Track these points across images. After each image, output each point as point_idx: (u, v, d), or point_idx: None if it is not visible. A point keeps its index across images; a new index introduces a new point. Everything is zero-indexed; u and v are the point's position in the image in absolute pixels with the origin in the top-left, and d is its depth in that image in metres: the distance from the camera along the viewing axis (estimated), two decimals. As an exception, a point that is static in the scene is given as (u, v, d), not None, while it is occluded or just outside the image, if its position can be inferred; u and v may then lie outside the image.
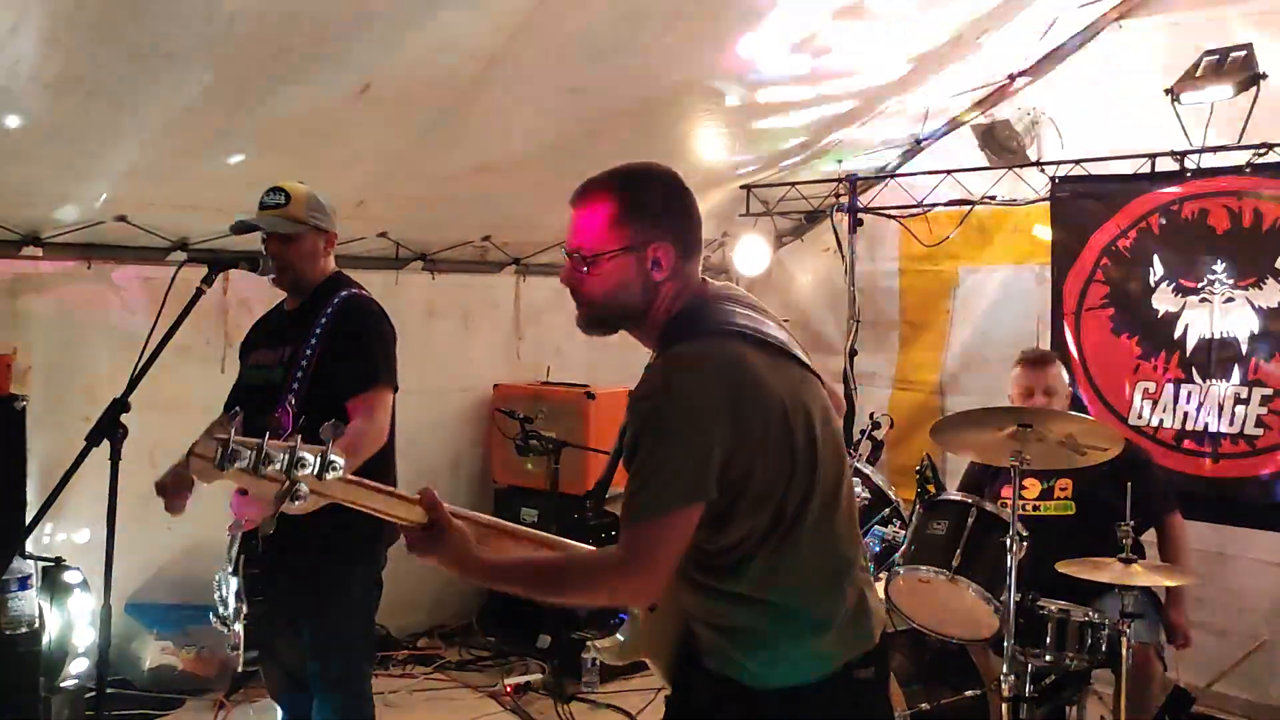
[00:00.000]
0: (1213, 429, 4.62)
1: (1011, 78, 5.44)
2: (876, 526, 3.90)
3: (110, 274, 4.52)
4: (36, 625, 3.75)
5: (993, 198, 5.38)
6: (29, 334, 4.33)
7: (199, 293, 2.85)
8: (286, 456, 1.66)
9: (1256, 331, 4.52)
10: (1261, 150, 4.46)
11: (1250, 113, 4.45)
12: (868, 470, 4.01)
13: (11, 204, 4.01)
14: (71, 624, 3.93)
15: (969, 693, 3.65)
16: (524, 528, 2.13)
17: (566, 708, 4.69)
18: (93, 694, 3.18)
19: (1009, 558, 3.28)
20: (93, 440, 2.63)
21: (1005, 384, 4.09)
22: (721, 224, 6.30)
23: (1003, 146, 5.21)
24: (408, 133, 4.16)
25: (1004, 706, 3.30)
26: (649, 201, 1.96)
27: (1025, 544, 3.38)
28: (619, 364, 5.09)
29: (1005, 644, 3.29)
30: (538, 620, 5.21)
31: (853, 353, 5.70)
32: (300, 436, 2.48)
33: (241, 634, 2.95)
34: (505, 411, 5.38)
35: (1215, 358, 4.63)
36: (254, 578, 2.93)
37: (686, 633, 2.03)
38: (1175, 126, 4.65)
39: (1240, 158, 4.52)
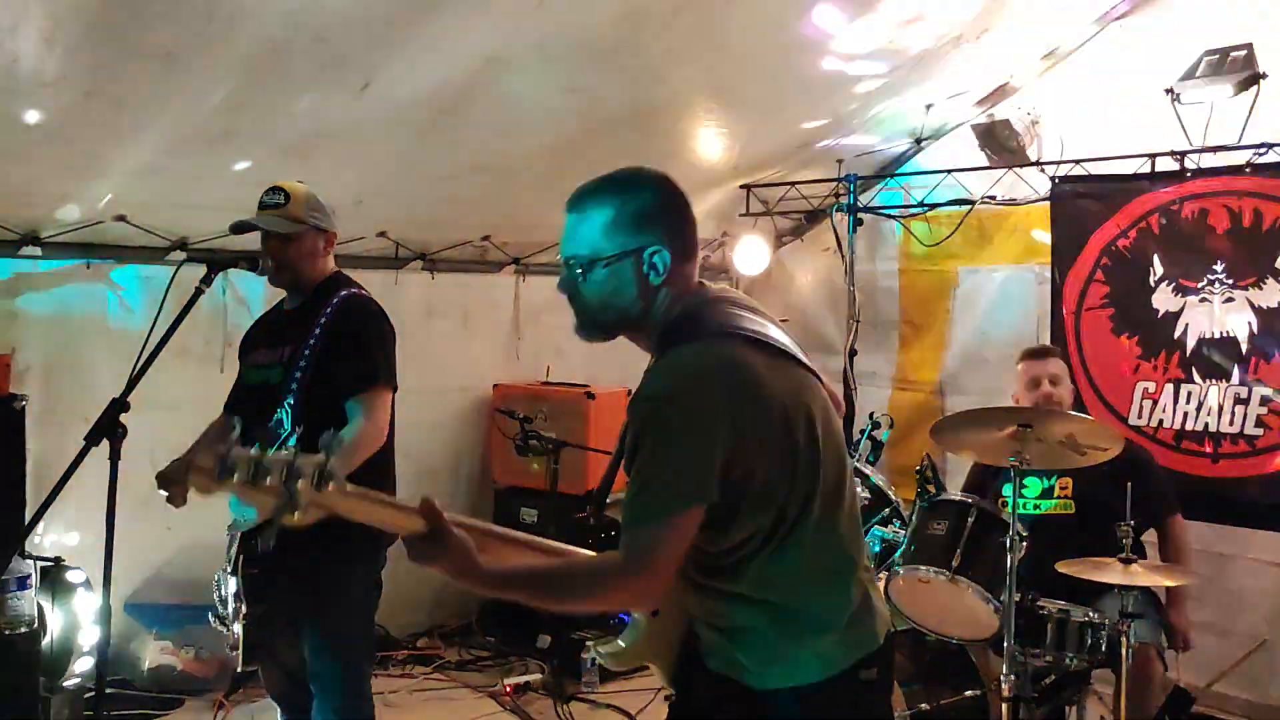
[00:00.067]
0: (1212, 429, 4.62)
1: (1012, 77, 5.43)
2: (876, 526, 3.90)
3: (109, 273, 4.52)
4: (36, 625, 3.75)
5: (993, 198, 5.38)
6: (28, 333, 4.34)
7: (198, 292, 2.86)
8: (284, 468, 1.66)
9: (1256, 331, 4.52)
10: (1261, 150, 4.45)
11: (1250, 112, 4.45)
12: (868, 470, 4.01)
13: (11, 204, 4.01)
14: (77, 623, 3.93)
15: (969, 693, 3.65)
16: (524, 534, 2.12)
17: (566, 708, 4.69)
18: (92, 694, 3.18)
19: (1009, 558, 3.28)
20: (92, 440, 2.63)
21: (1008, 384, 4.10)
22: (721, 224, 6.29)
23: (1003, 146, 5.20)
24: (407, 132, 4.16)
25: (1004, 706, 3.29)
26: (643, 206, 1.95)
27: (1025, 544, 3.38)
28: (619, 364, 5.09)
29: (1005, 644, 3.29)
30: (537, 620, 5.21)
31: (853, 353, 5.69)
32: (299, 440, 2.49)
33: (241, 634, 2.95)
34: (505, 411, 5.38)
35: (1215, 358, 4.63)
36: (253, 578, 2.93)
37: (688, 634, 2.02)
38: (1175, 126, 4.65)
39: (1240, 158, 4.52)
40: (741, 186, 5.94)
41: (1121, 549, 3.29)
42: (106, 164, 3.88)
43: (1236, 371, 4.57)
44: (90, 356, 4.42)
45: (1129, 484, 3.35)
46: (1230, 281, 4.59)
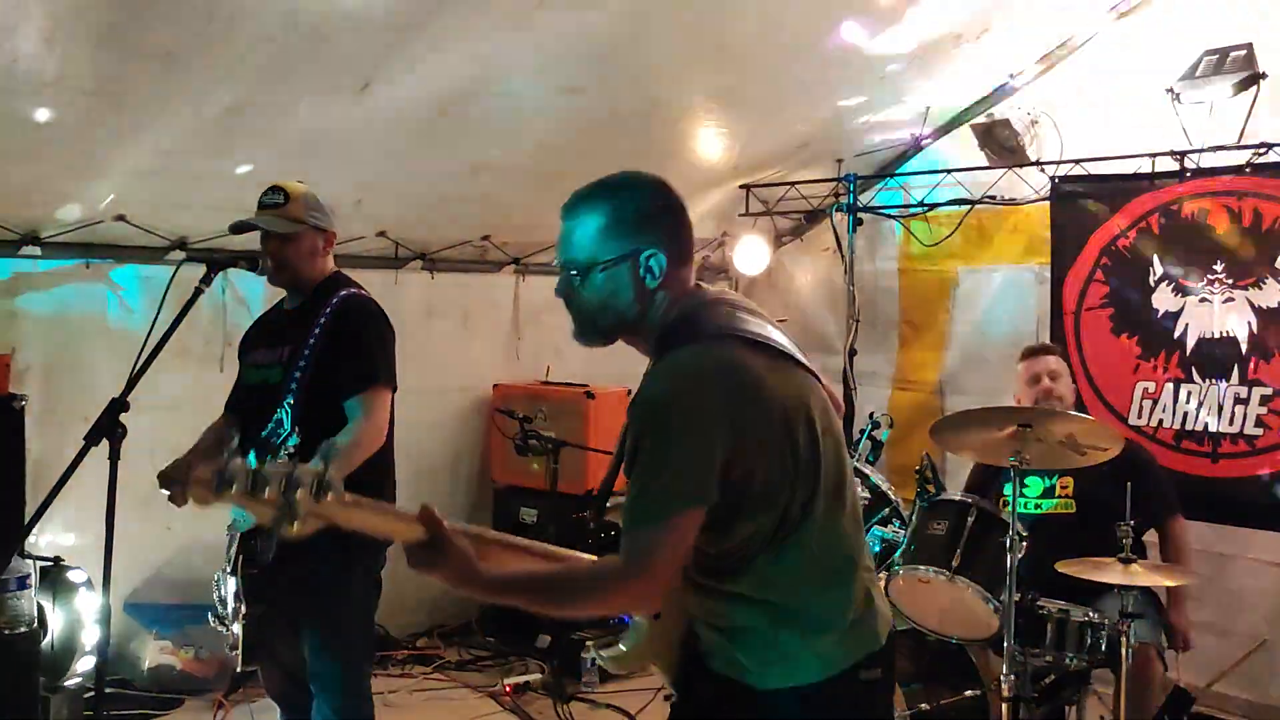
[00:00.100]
0: (1212, 429, 4.62)
1: (1012, 76, 5.43)
2: (876, 526, 3.89)
3: (109, 273, 4.52)
4: (35, 625, 3.74)
5: (993, 198, 5.37)
6: (28, 333, 4.33)
7: (198, 292, 2.85)
8: (282, 479, 1.66)
9: (1256, 331, 4.52)
10: (1261, 150, 4.45)
11: (1250, 112, 4.45)
12: (867, 470, 4.01)
13: (10, 204, 4.01)
14: (80, 623, 3.93)
15: (968, 693, 3.65)
16: (524, 540, 2.12)
17: (566, 708, 4.69)
18: (92, 694, 3.18)
19: (1008, 557, 3.28)
20: (92, 440, 2.63)
21: (1008, 384, 4.10)
22: (721, 223, 6.29)
23: (1003, 146, 5.20)
24: (407, 132, 4.16)
25: (1004, 706, 3.29)
26: (638, 210, 1.95)
27: (1025, 543, 3.38)
28: (619, 364, 5.03)
29: (1005, 644, 3.29)
30: (537, 621, 5.20)
31: (852, 352, 5.69)
32: (298, 440, 2.48)
33: (240, 634, 2.95)
34: (504, 411, 5.38)
35: (1215, 357, 4.62)
36: (253, 578, 2.93)
37: (690, 635, 2.02)
38: (1175, 126, 4.65)
39: (1240, 157, 4.52)
40: (741, 186, 5.94)
41: (1121, 549, 3.29)
42: (106, 164, 3.88)
43: (1236, 371, 4.57)
44: (90, 356, 4.41)
45: (1129, 484, 3.35)
46: (1230, 281, 4.58)
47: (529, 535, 5.41)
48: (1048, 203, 5.13)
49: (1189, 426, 4.68)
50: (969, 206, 5.46)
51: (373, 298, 3.20)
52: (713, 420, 1.80)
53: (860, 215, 5.71)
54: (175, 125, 3.68)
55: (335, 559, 2.96)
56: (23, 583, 3.70)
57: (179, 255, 4.51)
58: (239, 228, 3.09)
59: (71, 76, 3.26)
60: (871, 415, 4.30)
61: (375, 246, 5.13)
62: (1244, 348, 4.55)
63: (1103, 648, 3.39)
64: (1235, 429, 4.55)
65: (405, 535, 1.86)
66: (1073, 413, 3.72)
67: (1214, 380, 4.62)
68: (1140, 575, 3.26)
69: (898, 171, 5.93)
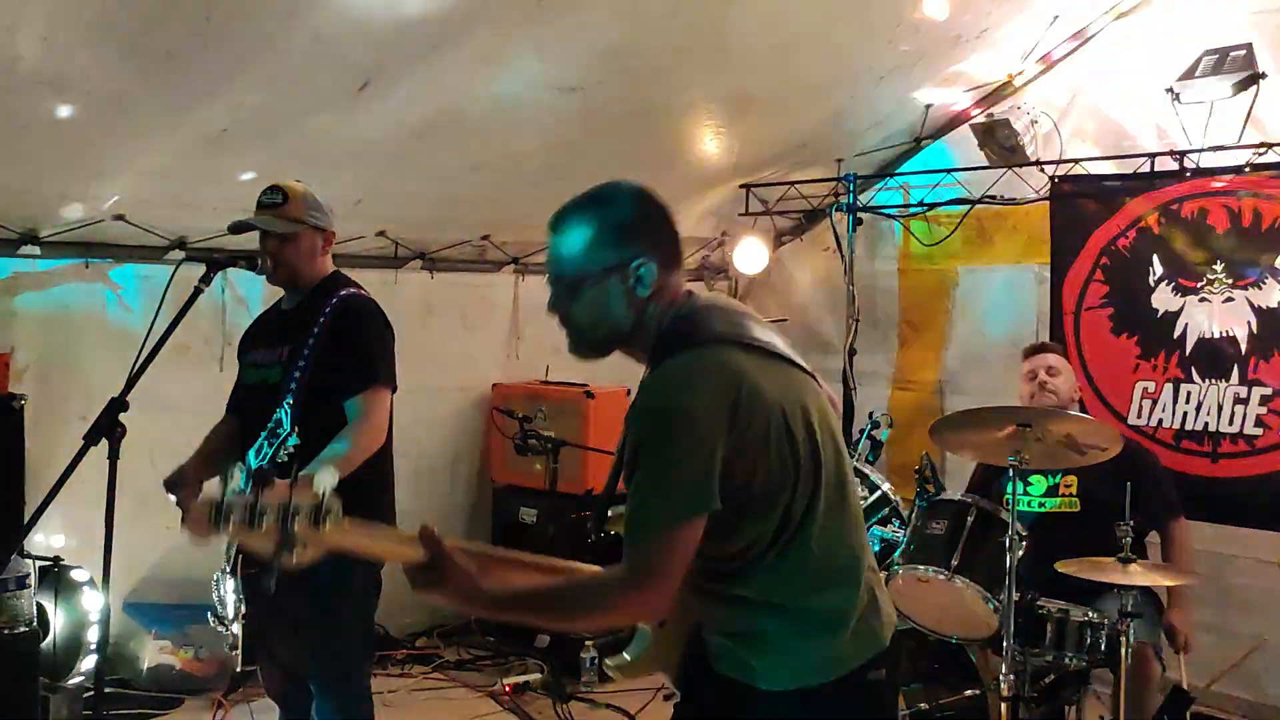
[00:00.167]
0: (1212, 428, 4.62)
1: (1011, 77, 5.44)
2: (876, 526, 3.89)
3: (108, 273, 4.52)
4: (35, 625, 3.74)
5: (993, 198, 5.37)
6: (27, 333, 4.33)
7: (197, 291, 2.86)
8: (281, 509, 1.67)
9: (1256, 331, 4.52)
10: (1261, 150, 4.45)
11: (1250, 112, 4.45)
12: (867, 470, 4.01)
13: (10, 203, 4.01)
14: (85, 622, 3.93)
15: (968, 692, 3.65)
16: (528, 555, 2.10)
17: (565, 707, 4.68)
18: (91, 693, 3.18)
19: (1008, 557, 3.28)
20: (91, 439, 2.63)
21: (1007, 384, 4.12)
22: (721, 223, 6.29)
23: (1003, 146, 5.20)
24: (406, 131, 4.15)
25: (1003, 706, 3.30)
26: (623, 220, 1.95)
27: (1025, 543, 3.38)
28: (618, 364, 5.02)
29: (1004, 643, 3.28)
30: (537, 620, 5.20)
31: (852, 352, 5.69)
32: (298, 440, 2.48)
33: (240, 633, 2.95)
34: (504, 411, 5.38)
35: (1215, 357, 4.62)
36: (252, 577, 2.93)
37: (694, 637, 2.02)
38: (1175, 126, 4.65)
39: (1240, 157, 4.52)
40: (741, 186, 5.93)
41: (1121, 549, 3.29)
42: (105, 163, 3.87)
43: (1236, 371, 4.57)
44: (89, 356, 4.41)
45: (1130, 483, 3.35)
46: (1230, 281, 4.59)
47: (529, 535, 5.46)
48: (1047, 203, 5.13)
49: (1189, 426, 4.68)
50: (969, 206, 5.46)
51: (372, 297, 3.20)
52: (711, 426, 1.79)
53: (860, 215, 5.70)
54: (174, 125, 3.67)
55: (335, 559, 2.95)
56: (22, 582, 3.70)
57: (178, 255, 4.51)
58: (238, 228, 3.09)
59: (71, 76, 3.25)
60: (871, 415, 4.31)
61: (375, 246, 5.13)
62: (1244, 347, 4.56)
63: (1102, 647, 3.39)
64: (1235, 429, 4.56)
65: (406, 557, 1.87)
66: (1072, 412, 3.72)
67: (1214, 380, 4.62)
68: (1139, 575, 3.26)
69: (898, 171, 5.93)
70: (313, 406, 2.93)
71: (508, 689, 4.85)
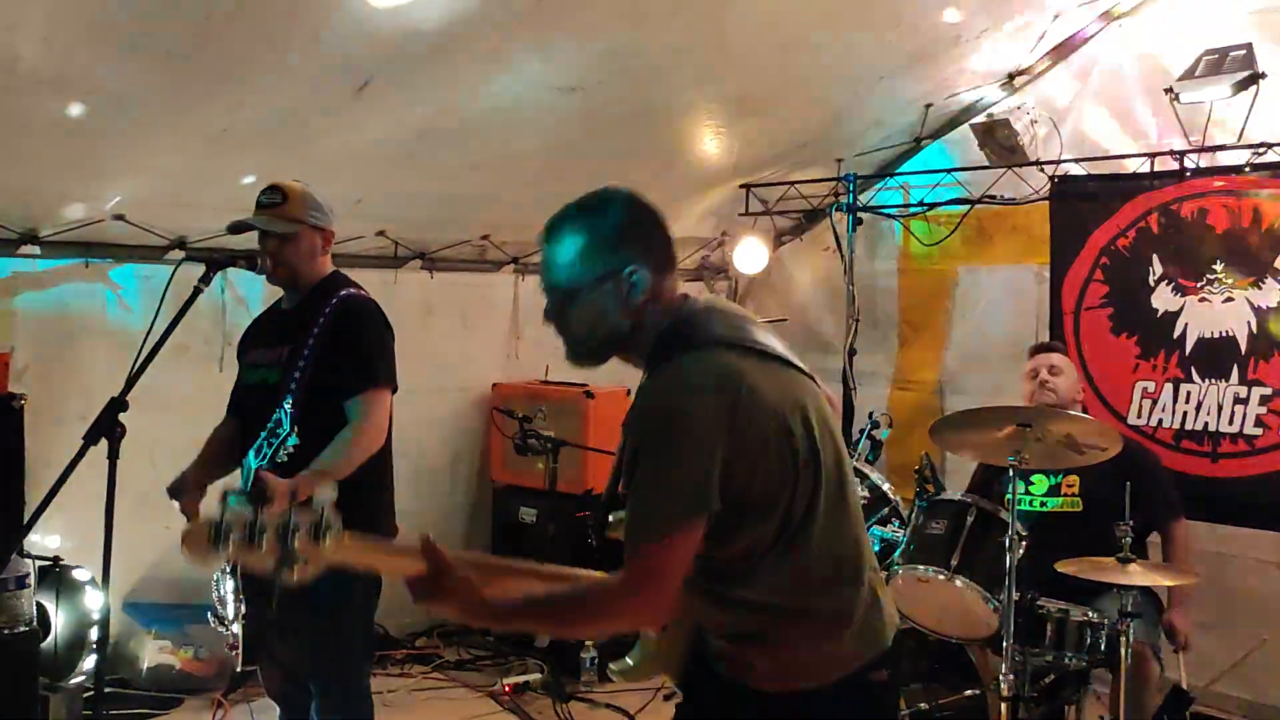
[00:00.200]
0: (1212, 428, 4.62)
1: (1011, 77, 5.44)
2: (876, 526, 3.90)
3: (108, 272, 4.52)
4: (34, 624, 3.74)
5: (993, 198, 5.37)
6: (27, 332, 4.33)
7: (197, 291, 2.85)
8: (280, 526, 1.67)
9: (1255, 331, 4.52)
10: (1261, 150, 4.45)
11: (1250, 112, 4.45)
12: (867, 470, 4.02)
13: (9, 202, 4.01)
14: (88, 621, 3.93)
15: (968, 692, 3.66)
16: (530, 564, 2.10)
17: (565, 707, 4.68)
18: (91, 693, 3.18)
19: (1008, 557, 3.28)
20: (91, 439, 2.63)
21: (1007, 384, 4.12)
22: (721, 223, 6.29)
23: (1003, 146, 5.20)
24: (406, 131, 4.15)
25: (1002, 706, 3.30)
26: (614, 227, 1.95)
27: (1025, 543, 3.38)
28: (617, 363, 5.06)
29: (1004, 643, 3.29)
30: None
31: (852, 352, 5.69)
32: (298, 440, 2.48)
33: (240, 634, 2.95)
34: (504, 410, 5.37)
35: (1214, 357, 4.62)
36: (251, 577, 2.93)
37: (697, 638, 2.02)
38: (1175, 126, 4.65)
39: (1240, 157, 4.52)
40: (741, 186, 5.93)
41: (1120, 548, 3.29)
42: (105, 163, 3.87)
43: (1235, 371, 4.57)
44: (89, 356, 4.41)
45: (1129, 483, 3.35)
46: (1229, 281, 4.58)
47: (528, 535, 5.47)
48: (1047, 203, 5.13)
49: (1188, 426, 4.68)
50: (969, 206, 5.46)
51: (371, 298, 3.20)
52: (709, 429, 1.79)
53: (860, 215, 5.70)
54: (174, 125, 3.67)
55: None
56: (21, 582, 3.70)
57: (178, 254, 4.51)
58: (237, 228, 3.09)
59: (71, 76, 3.25)
60: (871, 415, 4.31)
61: (374, 246, 5.13)
62: (1243, 347, 4.55)
63: (1102, 647, 3.39)
64: (1235, 429, 4.55)
65: (407, 569, 1.87)
66: (1071, 412, 3.72)
67: (1213, 380, 4.62)
68: (1138, 575, 3.26)
69: (898, 171, 5.93)
70: (313, 407, 2.93)
71: (507, 689, 4.85)
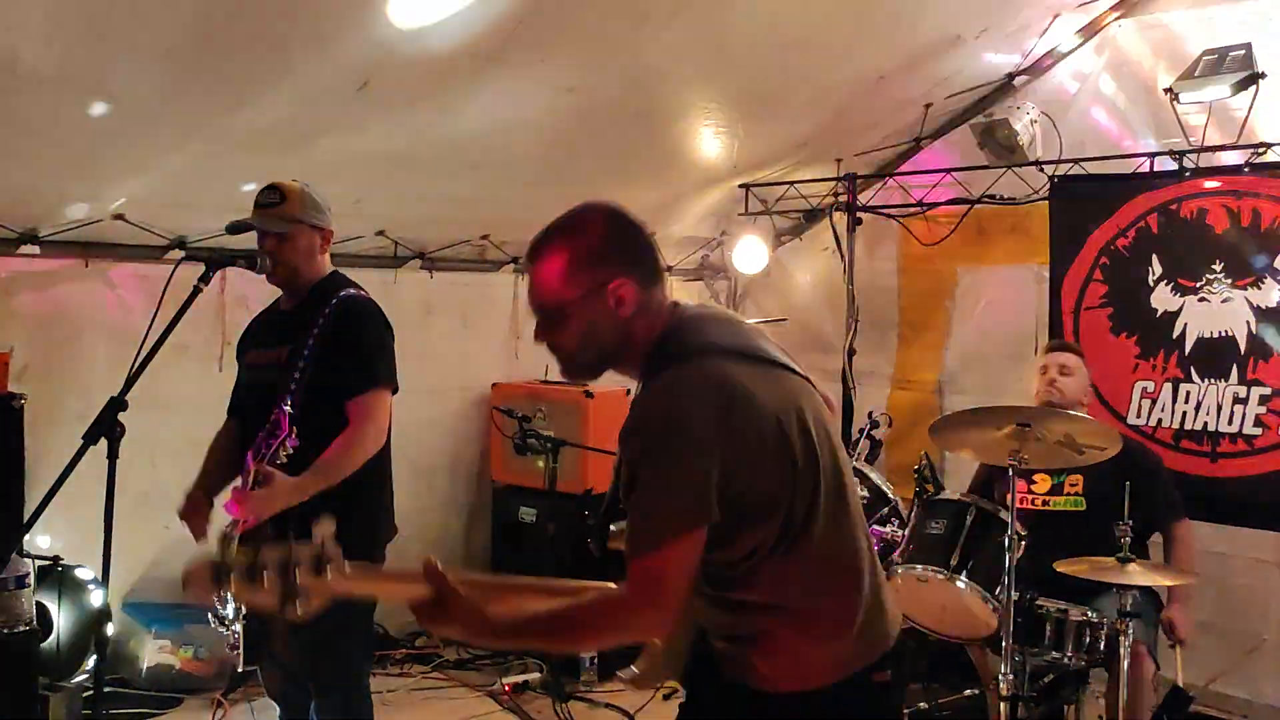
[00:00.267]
0: (1211, 428, 4.62)
1: (1011, 77, 5.44)
2: (875, 526, 3.90)
3: (107, 272, 4.52)
4: (34, 624, 3.74)
5: (992, 197, 5.37)
6: (26, 332, 4.33)
7: (196, 291, 2.86)
8: (281, 561, 1.66)
9: (1255, 331, 4.52)
10: (1260, 150, 4.45)
11: (1249, 112, 4.45)
12: (867, 469, 4.02)
13: (9, 202, 4.01)
14: (89, 620, 3.93)
15: (967, 692, 3.66)
16: (533, 580, 2.09)
17: (565, 707, 4.68)
18: (91, 693, 3.18)
19: (1007, 557, 3.28)
20: (90, 438, 2.63)
21: (1008, 384, 4.12)
22: (720, 223, 6.30)
23: (1002, 146, 5.20)
24: (406, 130, 4.15)
25: (1002, 706, 3.30)
26: (595, 242, 1.94)
27: (1024, 543, 3.38)
28: (617, 363, 5.07)
29: (1004, 643, 3.29)
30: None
31: (851, 352, 5.69)
32: (298, 445, 2.47)
33: (240, 634, 2.95)
34: (504, 410, 5.37)
35: (1214, 357, 4.62)
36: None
37: (700, 640, 2.02)
38: (1175, 126, 4.65)
39: (1239, 157, 4.52)
40: (740, 186, 5.93)
41: (1120, 548, 3.29)
42: (105, 163, 3.87)
43: (1235, 371, 4.57)
44: (88, 355, 4.41)
45: (1131, 483, 3.35)
46: (1229, 281, 4.58)
47: (528, 534, 5.46)
48: (1047, 203, 5.13)
49: (1188, 426, 4.68)
50: (968, 206, 5.46)
51: (371, 298, 3.20)
52: (706, 438, 1.79)
53: (860, 215, 5.70)
54: (173, 124, 3.67)
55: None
56: (21, 581, 3.70)
57: (178, 254, 4.51)
58: (236, 228, 3.09)
59: (72, 75, 3.25)
60: (870, 415, 4.32)
61: (373, 246, 5.13)
62: (1243, 347, 4.55)
63: (1101, 647, 3.39)
64: (1234, 429, 4.55)
65: (411, 594, 1.87)
66: (1071, 412, 3.72)
67: (1213, 380, 4.62)
68: (1137, 575, 3.26)
69: (897, 171, 5.93)
70: (312, 407, 2.93)
71: (507, 688, 4.85)
